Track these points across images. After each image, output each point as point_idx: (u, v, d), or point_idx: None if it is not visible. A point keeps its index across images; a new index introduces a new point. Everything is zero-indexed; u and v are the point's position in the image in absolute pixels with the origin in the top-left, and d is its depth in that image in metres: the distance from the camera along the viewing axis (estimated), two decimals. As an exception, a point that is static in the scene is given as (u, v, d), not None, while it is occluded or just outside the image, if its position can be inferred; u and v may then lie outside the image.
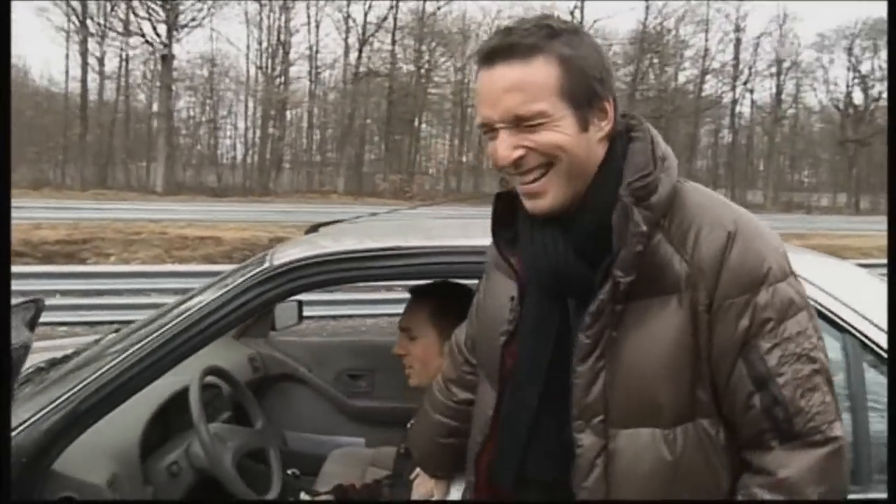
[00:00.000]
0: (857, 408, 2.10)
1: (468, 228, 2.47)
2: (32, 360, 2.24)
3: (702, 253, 1.41)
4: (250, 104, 50.33)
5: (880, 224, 36.49)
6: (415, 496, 2.16)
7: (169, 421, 2.73)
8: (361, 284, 7.89)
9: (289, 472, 3.07)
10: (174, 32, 39.48)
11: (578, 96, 1.43)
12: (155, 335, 2.10)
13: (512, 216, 1.63)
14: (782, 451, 1.40)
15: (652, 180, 1.42)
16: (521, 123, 1.42)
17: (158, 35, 39.38)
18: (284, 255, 2.24)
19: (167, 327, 2.12)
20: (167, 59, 39.88)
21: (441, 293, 2.59)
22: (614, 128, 1.49)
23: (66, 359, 2.50)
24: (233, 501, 2.59)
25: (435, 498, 2.12)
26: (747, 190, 53.74)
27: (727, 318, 1.40)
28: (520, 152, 1.43)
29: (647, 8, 52.62)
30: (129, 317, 9.48)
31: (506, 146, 1.43)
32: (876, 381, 2.12)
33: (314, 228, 2.90)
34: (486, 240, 2.30)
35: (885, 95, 61.09)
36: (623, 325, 1.43)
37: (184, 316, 2.14)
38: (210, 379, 2.83)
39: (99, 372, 2.04)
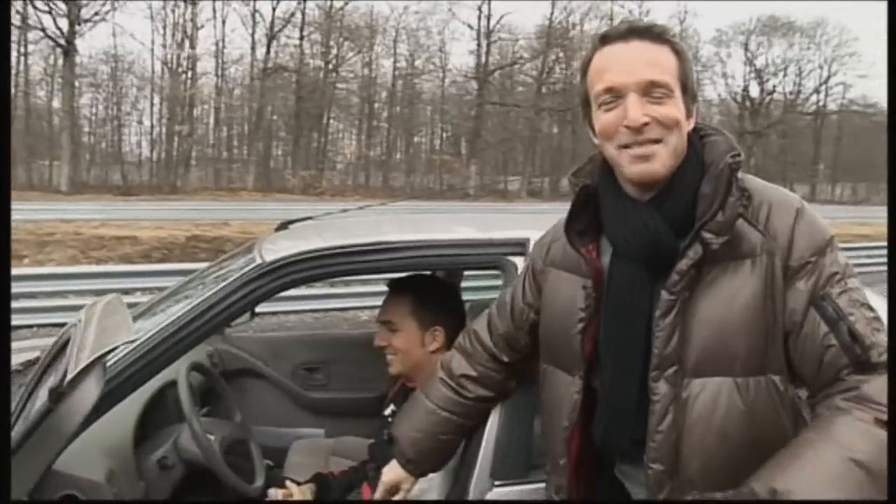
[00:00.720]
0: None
1: (445, 223, 2.60)
2: None
3: (775, 225, 1.62)
4: (156, 101, 49.22)
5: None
6: (381, 489, 2.19)
7: (152, 416, 2.78)
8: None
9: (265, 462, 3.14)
10: (76, 27, 38.34)
11: (687, 87, 1.67)
12: (152, 333, 2.16)
13: (582, 210, 1.81)
14: (862, 376, 1.54)
15: (741, 160, 1.64)
16: (651, 92, 1.61)
17: (60, 29, 38.25)
18: (274, 251, 2.32)
19: (163, 325, 2.18)
20: (69, 54, 38.71)
21: (419, 286, 2.69)
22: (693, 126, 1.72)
23: (37, 361, 2.51)
24: (241, 501, 2.65)
25: (403, 491, 2.17)
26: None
27: (800, 276, 1.60)
28: (646, 119, 1.60)
29: (553, 4, 53.23)
30: (47, 320, 9.35)
31: (637, 108, 1.61)
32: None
33: (284, 226, 2.97)
34: (463, 233, 2.43)
35: (779, 89, 63.21)
36: (698, 285, 1.61)
37: (180, 314, 2.21)
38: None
39: None
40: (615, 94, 1.64)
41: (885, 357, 1.55)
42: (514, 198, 48.01)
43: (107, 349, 1.48)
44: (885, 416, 1.47)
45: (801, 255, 1.61)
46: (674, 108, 1.63)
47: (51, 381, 1.47)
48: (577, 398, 1.80)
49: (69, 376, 1.37)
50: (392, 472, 2.18)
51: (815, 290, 1.59)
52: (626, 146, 1.64)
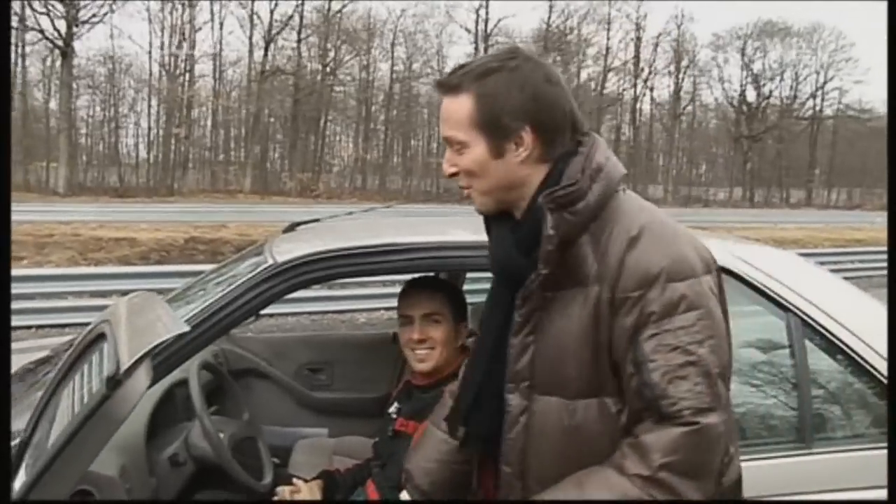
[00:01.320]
0: (801, 380, 2.37)
1: (451, 225, 2.65)
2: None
3: (609, 253, 1.64)
4: (153, 103, 49.27)
5: (774, 217, 37.93)
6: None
7: (162, 414, 2.82)
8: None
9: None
10: (74, 29, 38.35)
11: (490, 124, 1.69)
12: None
13: None
14: (651, 424, 1.58)
15: (575, 189, 1.65)
16: (451, 146, 1.74)
17: (57, 31, 38.25)
18: (285, 252, 2.37)
19: None
20: (67, 56, 38.74)
21: (446, 286, 2.77)
22: (543, 150, 1.71)
23: (48, 359, 2.56)
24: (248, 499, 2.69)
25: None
26: (648, 185, 54.96)
27: (622, 311, 1.61)
28: (453, 169, 1.75)
29: (551, 7, 53.33)
30: (46, 321, 9.38)
31: (445, 161, 1.77)
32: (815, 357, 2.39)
33: (292, 227, 3.02)
34: (468, 236, 2.49)
35: (775, 94, 63.34)
36: (550, 308, 1.68)
37: (191, 315, 2.26)
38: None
39: None
40: None
41: (675, 409, 1.55)
42: (511, 201, 47.88)
43: (161, 339, 1.55)
44: (646, 472, 1.54)
45: (625, 287, 1.61)
46: (467, 157, 1.71)
47: (104, 369, 1.53)
48: None
49: (124, 365, 1.43)
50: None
51: (634, 329, 1.60)
52: None
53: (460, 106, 1.70)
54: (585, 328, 1.64)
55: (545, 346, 1.69)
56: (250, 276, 2.31)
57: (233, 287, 2.30)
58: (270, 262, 2.33)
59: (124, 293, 8.13)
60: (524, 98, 1.68)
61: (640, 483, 1.54)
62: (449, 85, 1.73)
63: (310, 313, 10.78)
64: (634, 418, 1.61)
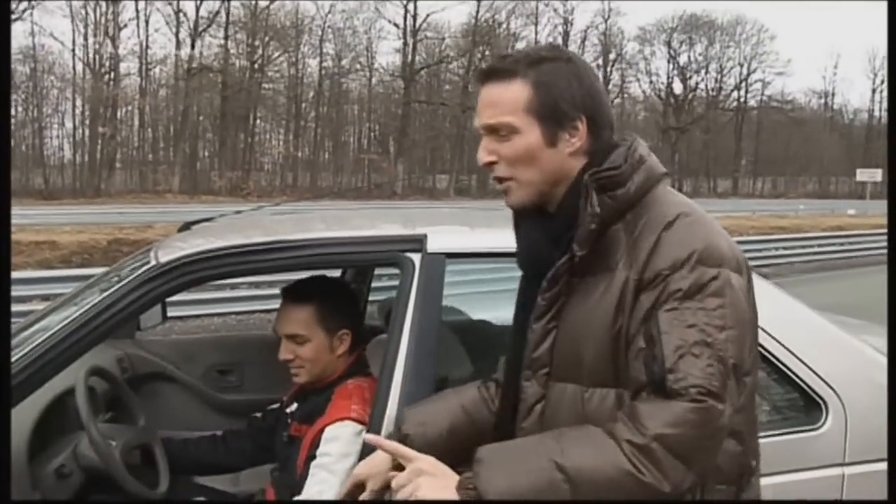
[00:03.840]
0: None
1: (345, 220, 2.61)
2: None
3: (642, 238, 1.60)
4: (78, 102, 48.26)
5: (702, 206, 38.64)
6: (350, 482, 2.00)
7: (51, 424, 2.73)
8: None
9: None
10: (-9, 27, 37.34)
11: (545, 113, 1.67)
12: (44, 338, 2.13)
13: None
14: (650, 397, 1.51)
15: (619, 174, 1.65)
16: (494, 132, 1.69)
17: (-27, 30, 37.17)
18: (170, 251, 2.30)
19: (55, 330, 2.14)
20: (-16, 55, 37.70)
21: (318, 291, 2.63)
22: (591, 143, 1.70)
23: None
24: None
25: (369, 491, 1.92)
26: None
27: (646, 290, 1.57)
28: (492, 158, 1.70)
29: (479, 2, 53.56)
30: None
31: (482, 149, 1.72)
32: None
33: (187, 226, 2.95)
34: (360, 230, 2.45)
35: (701, 86, 64.65)
36: (574, 294, 1.65)
37: (72, 318, 2.17)
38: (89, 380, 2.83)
39: None
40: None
41: (682, 384, 1.48)
42: (442, 196, 48.20)
43: None
44: (639, 440, 1.46)
45: (654, 268, 1.57)
46: (518, 144, 1.67)
47: None
48: None
49: None
50: (366, 464, 1.97)
51: (654, 304, 1.55)
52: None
53: (515, 92, 1.67)
54: (608, 314, 1.60)
55: (565, 332, 1.65)
56: (133, 277, 2.24)
57: (113, 289, 2.22)
58: (153, 262, 2.26)
59: (44, 298, 7.98)
60: (582, 89, 1.69)
61: (629, 449, 1.46)
62: (501, 70, 1.69)
63: (235, 313, 10.68)
64: (634, 391, 1.55)
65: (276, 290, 2.70)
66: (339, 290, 2.75)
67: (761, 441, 1.81)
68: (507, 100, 1.68)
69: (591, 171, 1.65)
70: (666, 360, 1.50)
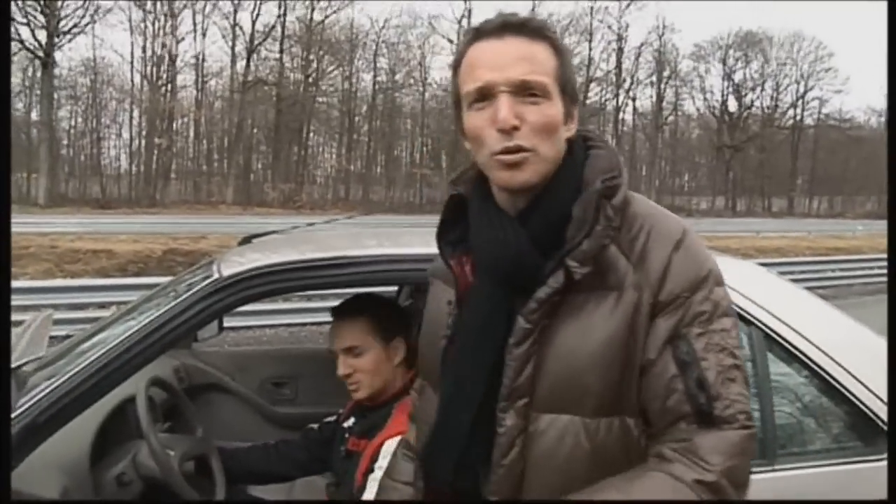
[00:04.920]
0: (762, 394, 2.32)
1: (408, 237, 2.61)
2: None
3: (650, 257, 1.48)
4: (135, 113, 49.15)
5: (756, 226, 38.11)
6: None
7: (112, 431, 2.76)
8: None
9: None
10: (55, 39, 38.23)
11: (567, 88, 1.54)
12: (108, 348, 2.15)
13: (458, 218, 1.67)
14: (698, 429, 1.43)
15: (617, 183, 1.51)
16: (524, 92, 1.48)
17: (38, 41, 38.09)
18: (232, 265, 2.31)
19: (119, 340, 2.17)
20: (48, 66, 38.61)
21: (369, 305, 2.67)
22: (575, 132, 1.59)
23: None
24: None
25: None
26: (631, 194, 55.27)
27: (666, 312, 1.46)
28: (516, 121, 1.47)
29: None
30: (22, 333, 9.27)
31: (508, 109, 1.47)
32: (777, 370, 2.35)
33: (247, 240, 2.97)
34: (423, 248, 2.44)
35: (756, 104, 63.91)
36: (557, 314, 1.48)
37: (136, 329, 2.20)
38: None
39: (53, 386, 2.06)
40: (486, 94, 1.50)
41: (730, 411, 1.43)
42: (494, 211, 48.09)
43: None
44: (709, 477, 1.39)
45: (672, 290, 1.47)
46: (550, 111, 1.50)
47: None
48: (437, 419, 1.66)
49: None
50: None
51: (676, 328, 1.46)
52: (496, 152, 1.49)
53: (546, 54, 1.51)
54: (615, 337, 1.45)
55: (556, 358, 1.47)
56: (195, 290, 2.26)
57: (176, 302, 2.24)
58: (216, 275, 2.28)
59: (100, 305, 8.11)
60: (572, 65, 1.59)
61: (700, 489, 1.38)
62: (531, 28, 1.51)
63: (287, 325, 10.74)
64: (671, 422, 1.45)
65: (328, 304, 2.71)
66: (387, 303, 2.76)
67: (820, 470, 1.76)
68: (542, 59, 1.50)
69: (607, 178, 1.51)
70: (711, 386, 1.43)
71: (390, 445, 2.39)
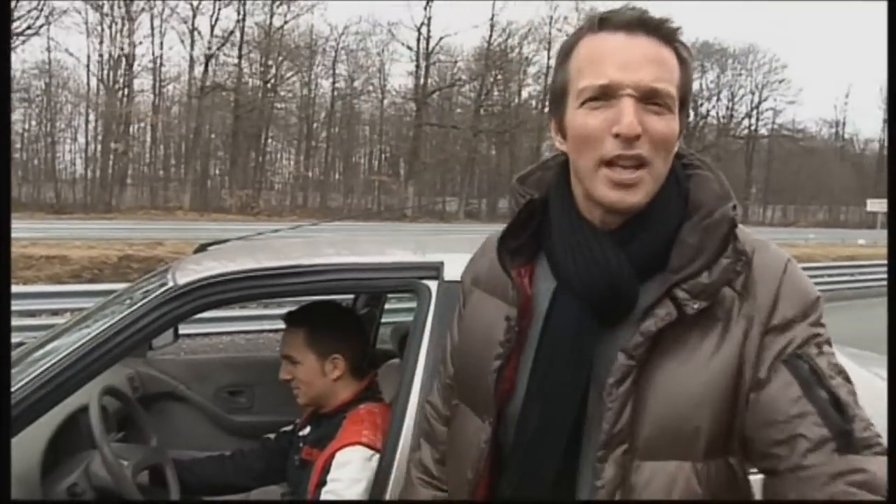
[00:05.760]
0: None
1: (359, 245, 2.62)
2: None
3: (758, 286, 1.35)
4: (91, 117, 48.48)
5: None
6: None
7: (63, 442, 2.73)
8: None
9: None
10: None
11: (685, 102, 1.41)
12: (61, 357, 2.13)
13: (524, 226, 1.53)
14: (851, 455, 1.25)
15: (738, 213, 1.38)
16: (649, 98, 1.33)
17: (-11, 44, 37.47)
18: (188, 273, 2.30)
19: (73, 349, 2.15)
20: (0, 69, 37.99)
21: (313, 316, 2.69)
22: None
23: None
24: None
25: None
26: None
27: (774, 335, 1.33)
28: (640, 130, 1.31)
29: (492, 26, 53.78)
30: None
31: (632, 115, 1.31)
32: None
33: (203, 248, 2.96)
34: (379, 257, 2.45)
35: (713, 113, 64.84)
36: (668, 351, 1.33)
37: (90, 337, 2.18)
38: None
39: None
40: (608, 93, 1.33)
41: (870, 433, 1.27)
42: (452, 219, 48.28)
43: None
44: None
45: (785, 314, 1.33)
46: (672, 124, 1.36)
47: None
48: (485, 448, 1.49)
49: None
50: None
51: (793, 347, 1.32)
52: (609, 162, 1.34)
53: (675, 63, 1.37)
54: (726, 373, 1.31)
55: (656, 397, 1.31)
56: (151, 298, 2.24)
57: (130, 310, 2.23)
58: (171, 284, 2.27)
59: (54, 313, 8.00)
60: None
61: None
62: (665, 29, 1.36)
63: (243, 332, 10.68)
64: (805, 450, 1.26)
65: (285, 311, 2.73)
66: (333, 316, 2.76)
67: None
68: (672, 67, 1.36)
69: (733, 206, 1.37)
70: (847, 407, 1.28)
71: (343, 456, 2.40)
